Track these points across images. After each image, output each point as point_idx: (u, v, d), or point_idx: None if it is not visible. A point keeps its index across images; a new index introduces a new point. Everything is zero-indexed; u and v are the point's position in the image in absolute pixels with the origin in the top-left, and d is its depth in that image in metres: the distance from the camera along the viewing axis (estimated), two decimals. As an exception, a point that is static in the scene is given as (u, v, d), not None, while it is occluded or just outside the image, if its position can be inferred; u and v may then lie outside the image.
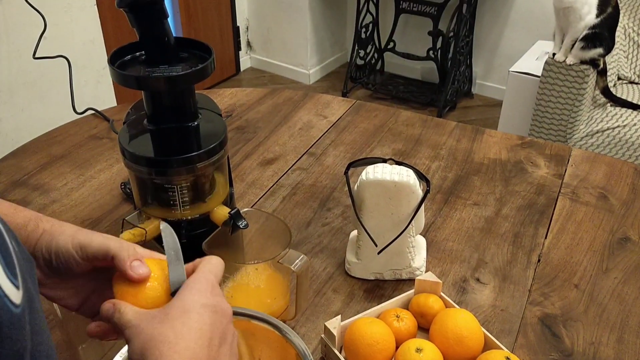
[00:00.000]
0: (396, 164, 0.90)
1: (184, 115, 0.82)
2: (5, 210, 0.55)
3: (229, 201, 0.88)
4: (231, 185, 0.89)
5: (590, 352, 0.85)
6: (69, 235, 0.54)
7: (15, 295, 0.35)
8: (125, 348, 0.71)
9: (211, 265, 0.54)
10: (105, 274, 0.56)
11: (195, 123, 0.83)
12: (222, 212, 0.82)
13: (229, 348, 0.51)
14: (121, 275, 0.53)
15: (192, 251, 0.81)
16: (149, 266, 0.53)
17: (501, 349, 0.80)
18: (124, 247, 0.53)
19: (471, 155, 1.30)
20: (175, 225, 0.82)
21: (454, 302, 0.88)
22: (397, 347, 0.80)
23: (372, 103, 1.53)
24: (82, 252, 0.53)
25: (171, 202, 0.80)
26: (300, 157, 1.29)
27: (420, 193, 0.89)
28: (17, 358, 0.34)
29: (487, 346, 0.81)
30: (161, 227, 0.57)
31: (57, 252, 0.53)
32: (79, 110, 1.37)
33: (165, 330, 0.47)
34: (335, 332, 0.79)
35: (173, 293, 0.52)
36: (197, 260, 0.55)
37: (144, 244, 0.79)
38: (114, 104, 2.45)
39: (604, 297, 0.94)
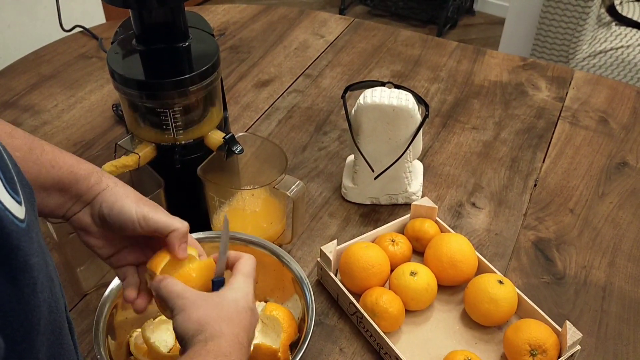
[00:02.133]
0: (395, 87, 0.87)
1: (173, 35, 0.79)
2: (69, 161, 0.57)
3: (224, 125, 0.86)
4: (225, 108, 0.87)
5: (582, 275, 0.86)
6: (134, 202, 0.57)
7: (18, 210, 0.35)
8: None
9: (250, 268, 0.59)
10: (143, 237, 0.60)
11: (186, 43, 0.80)
12: (216, 137, 0.81)
13: (250, 346, 0.56)
14: (165, 252, 0.58)
15: (187, 176, 0.81)
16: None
17: (494, 272, 0.81)
18: (181, 231, 0.57)
19: (471, 77, 1.27)
20: (169, 150, 0.80)
21: (449, 226, 0.89)
22: (391, 271, 0.81)
23: (370, 21, 1.48)
24: (144, 223, 0.56)
25: (164, 127, 0.78)
26: (296, 79, 1.26)
27: (418, 118, 0.87)
28: (29, 270, 0.34)
29: (481, 270, 0.82)
30: (224, 221, 0.62)
31: (120, 213, 0.56)
32: (66, 28, 1.32)
33: (226, 315, 0.53)
34: (331, 256, 0.79)
35: (216, 281, 0.58)
36: (236, 253, 0.60)
37: (137, 169, 0.78)
38: (103, 20, 2.37)
39: (599, 221, 0.95)
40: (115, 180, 0.59)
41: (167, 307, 0.55)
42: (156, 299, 0.59)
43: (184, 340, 0.52)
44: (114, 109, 1.15)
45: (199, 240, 0.68)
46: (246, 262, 0.59)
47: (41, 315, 0.36)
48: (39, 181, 0.55)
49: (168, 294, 0.54)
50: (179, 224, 0.57)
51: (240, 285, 0.56)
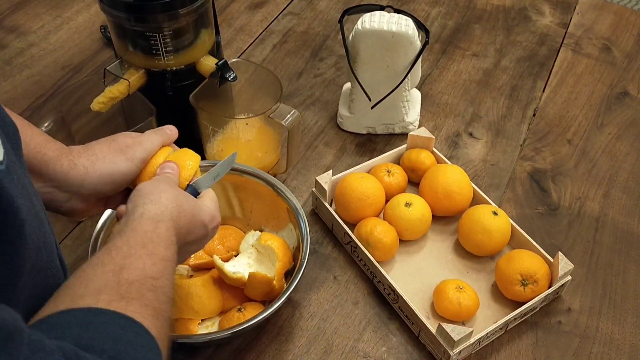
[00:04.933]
0: (394, 11, 0.84)
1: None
2: (36, 139, 0.53)
3: (216, 50, 0.83)
4: (217, 32, 0.84)
5: (576, 206, 0.86)
6: (121, 158, 0.56)
7: None
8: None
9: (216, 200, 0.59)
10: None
11: (176, -39, 0.75)
12: (208, 63, 0.78)
13: (186, 252, 0.55)
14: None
15: (179, 104, 0.79)
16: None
17: (489, 203, 0.81)
18: (167, 131, 0.61)
19: (473, 1, 1.22)
20: (160, 76, 0.78)
21: (446, 156, 0.88)
22: (386, 201, 0.81)
23: (370, -61, 1.40)
24: (137, 163, 0.57)
25: (154, 51, 0.75)
26: (291, 0, 1.21)
27: (418, 44, 0.84)
28: (15, 212, 0.33)
29: (475, 200, 0.82)
30: (232, 155, 0.63)
31: (122, 177, 0.56)
32: (48, -57, 1.24)
33: (178, 201, 0.52)
34: (326, 186, 0.79)
35: (190, 185, 0.58)
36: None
37: (128, 96, 0.76)
38: None
39: (596, 152, 0.94)
40: (85, 153, 0.55)
41: None
42: None
43: (134, 194, 0.51)
44: (102, 30, 1.11)
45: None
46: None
47: (27, 257, 0.36)
48: None
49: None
50: (164, 136, 0.59)
51: (207, 201, 0.56)
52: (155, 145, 0.59)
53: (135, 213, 0.48)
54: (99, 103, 0.75)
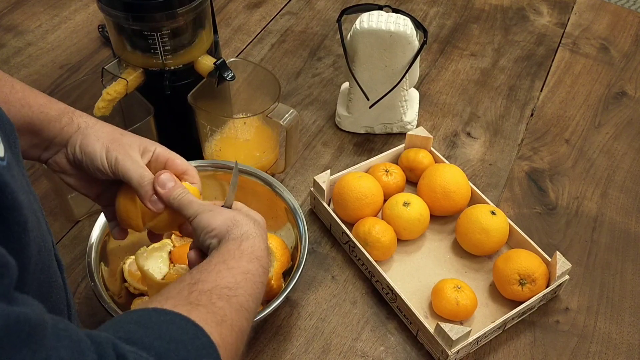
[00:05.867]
0: (393, 11, 0.84)
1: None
2: (40, 100, 0.54)
3: (214, 50, 0.83)
4: (216, 32, 0.84)
5: (574, 206, 0.87)
6: (104, 146, 0.54)
7: None
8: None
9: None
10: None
11: (174, -39, 0.75)
12: (207, 63, 0.78)
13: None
14: None
15: (177, 103, 0.78)
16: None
17: (487, 202, 0.81)
18: (144, 182, 0.54)
19: (471, 1, 1.22)
20: (158, 75, 0.78)
21: (444, 156, 0.88)
22: (385, 201, 0.81)
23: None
24: (112, 168, 0.54)
25: (152, 51, 0.75)
26: (289, 0, 1.21)
27: (416, 44, 0.84)
28: (18, 208, 0.33)
29: (473, 200, 0.82)
30: (234, 166, 0.62)
31: (91, 156, 0.54)
32: (46, -58, 1.24)
33: (253, 218, 0.54)
34: (324, 186, 0.79)
35: (225, 207, 0.57)
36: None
37: (126, 96, 0.76)
38: None
39: (594, 152, 0.94)
40: (88, 119, 0.56)
41: (179, 216, 0.55)
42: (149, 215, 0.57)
43: (214, 232, 0.51)
44: (100, 30, 1.11)
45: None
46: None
47: (31, 254, 0.36)
48: None
49: (183, 203, 0.54)
50: (147, 179, 0.54)
51: (244, 208, 0.57)
52: (136, 172, 0.56)
53: (224, 239, 0.50)
54: (100, 108, 0.75)
